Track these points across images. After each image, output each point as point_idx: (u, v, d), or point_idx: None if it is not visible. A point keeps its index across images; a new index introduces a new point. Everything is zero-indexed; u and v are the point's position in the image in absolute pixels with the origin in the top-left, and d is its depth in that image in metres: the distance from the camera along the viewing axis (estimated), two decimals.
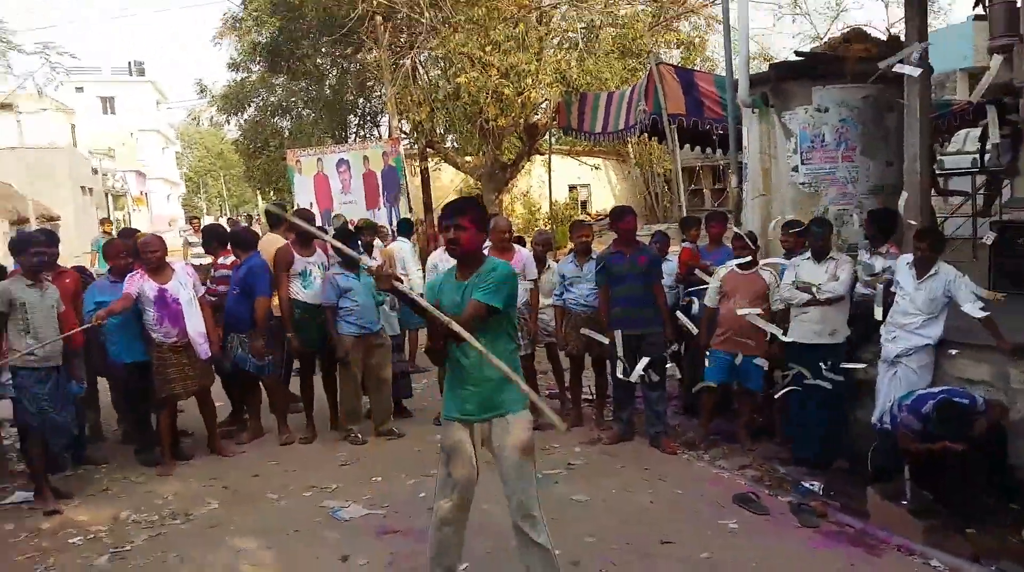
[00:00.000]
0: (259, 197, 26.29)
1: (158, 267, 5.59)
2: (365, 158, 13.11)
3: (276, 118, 21.81)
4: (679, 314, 6.26)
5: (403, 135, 16.73)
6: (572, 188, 26.18)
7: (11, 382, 4.97)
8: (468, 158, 18.42)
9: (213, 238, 6.91)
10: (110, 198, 32.97)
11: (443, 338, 3.29)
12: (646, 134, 11.22)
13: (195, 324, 5.62)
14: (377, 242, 7.98)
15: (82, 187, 28.00)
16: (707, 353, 5.95)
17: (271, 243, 6.74)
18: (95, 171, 31.03)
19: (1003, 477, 4.45)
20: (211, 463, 5.75)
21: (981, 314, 4.70)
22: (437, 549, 3.46)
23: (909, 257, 5.07)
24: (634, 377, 5.75)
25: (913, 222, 5.71)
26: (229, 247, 6.59)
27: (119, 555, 4.26)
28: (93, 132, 36.75)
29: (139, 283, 5.49)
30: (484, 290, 3.26)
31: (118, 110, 43.45)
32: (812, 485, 5.02)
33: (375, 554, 4.21)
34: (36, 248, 4.98)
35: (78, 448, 5.68)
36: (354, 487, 5.19)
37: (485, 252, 6.33)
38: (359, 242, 6.27)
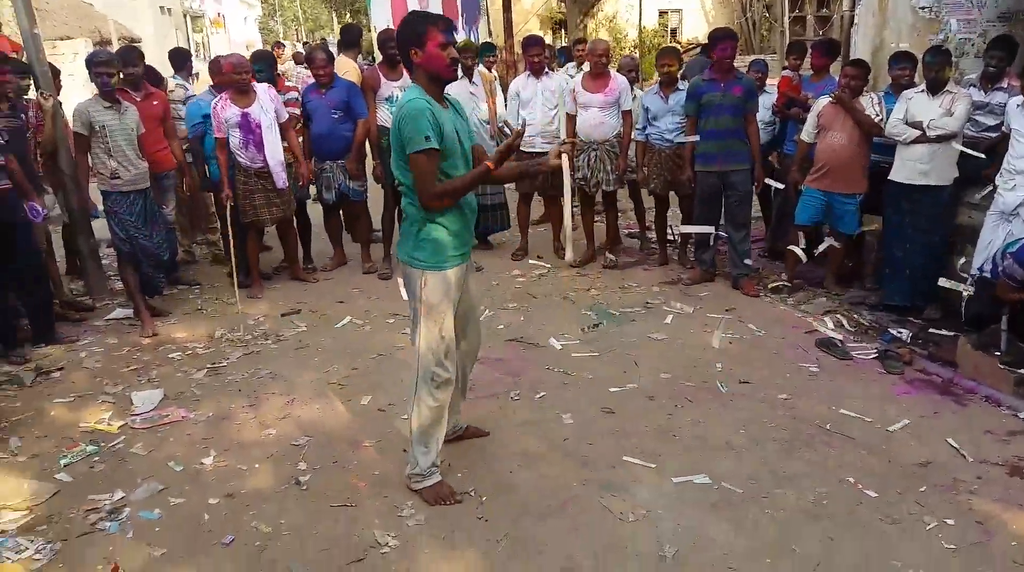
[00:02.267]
0: (335, 19, 25.62)
1: (244, 90, 5.50)
2: None
3: None
4: (768, 181, 5.90)
5: None
6: (662, 13, 24.56)
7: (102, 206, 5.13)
8: None
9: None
10: (188, 19, 32.65)
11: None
12: None
13: (273, 151, 5.56)
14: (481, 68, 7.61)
15: (160, 7, 27.72)
16: (800, 191, 5.65)
17: (343, 65, 6.60)
18: None
19: None
20: (297, 289, 5.95)
21: None
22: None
23: (1020, 98, 4.57)
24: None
25: None
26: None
27: (216, 370, 4.53)
28: None
29: (224, 109, 5.45)
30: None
31: None
32: (900, 333, 4.87)
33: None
34: (99, 67, 4.89)
35: (171, 270, 5.93)
36: None
37: (580, 77, 6.15)
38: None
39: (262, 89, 5.63)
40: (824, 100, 5.51)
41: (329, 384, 4.33)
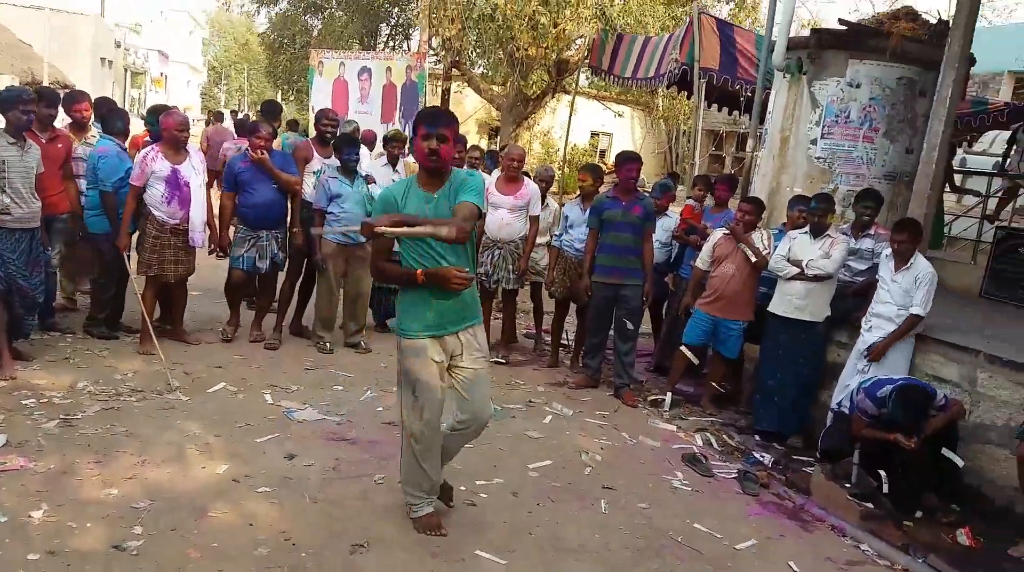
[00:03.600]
0: (279, 95, 25.98)
1: (179, 147, 5.55)
2: (388, 69, 12.82)
3: (307, 15, 21.42)
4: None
5: (430, 51, 16.39)
6: (594, 135, 25.81)
7: None
8: (493, 87, 18.08)
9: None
10: (129, 75, 32.53)
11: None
12: (675, 86, 10.97)
13: (199, 210, 5.63)
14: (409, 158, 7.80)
15: (102, 59, 27.59)
16: (689, 314, 5.91)
17: None
18: (118, 45, 30.53)
19: (950, 477, 4.44)
20: (176, 349, 5.74)
21: (917, 311, 4.78)
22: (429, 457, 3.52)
23: (888, 249, 5.01)
24: None
25: (919, 212, 5.61)
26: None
27: (69, 422, 4.29)
28: (122, 4, 35.98)
29: (153, 160, 5.43)
30: (473, 192, 3.22)
31: None
32: (762, 457, 5.04)
33: (322, 457, 4.24)
34: (25, 106, 4.84)
35: (45, 314, 5.68)
36: (313, 392, 5.21)
37: (495, 178, 6.37)
38: (357, 151, 6.18)
39: (194, 150, 5.74)
40: (720, 232, 5.86)
41: (187, 449, 4.16)
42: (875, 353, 4.88)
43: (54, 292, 5.92)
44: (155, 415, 4.54)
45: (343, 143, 6.05)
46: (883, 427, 4.33)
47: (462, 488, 4.07)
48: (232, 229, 6.06)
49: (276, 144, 6.58)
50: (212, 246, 6.05)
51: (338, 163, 6.03)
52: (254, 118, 13.87)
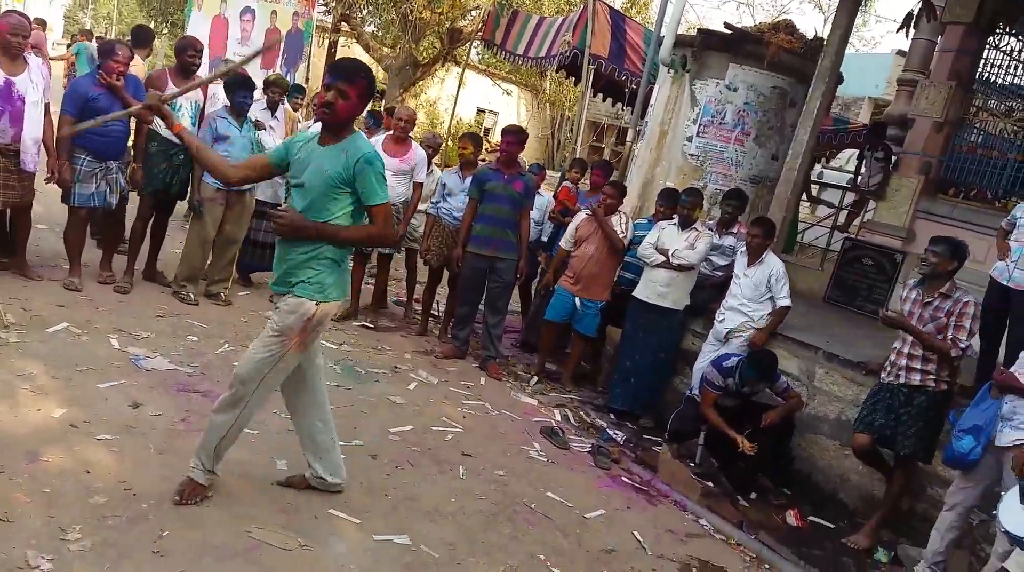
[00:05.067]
0: (152, 26, 24.28)
1: (15, 56, 4.96)
2: (274, 13, 12.22)
3: None
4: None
5: (320, 1, 15.79)
6: (480, 111, 25.76)
7: None
8: (383, 47, 17.65)
9: None
10: None
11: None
12: (564, 71, 11.10)
13: (33, 130, 5.06)
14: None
15: None
16: (551, 291, 6.06)
17: (133, 64, 6.24)
18: None
19: (784, 463, 4.80)
20: (14, 284, 5.28)
21: (783, 303, 5.10)
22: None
23: (743, 246, 5.33)
24: None
25: (778, 214, 5.98)
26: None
27: None
28: None
29: None
30: (380, 189, 3.11)
31: None
32: (616, 434, 5.26)
33: (169, 408, 4.04)
34: None
35: None
36: (166, 341, 4.95)
37: (381, 139, 6.21)
38: (251, 94, 5.82)
39: (36, 62, 5.13)
40: (583, 213, 6.02)
41: (19, 389, 3.85)
42: (756, 340, 5.09)
43: None
44: None
45: (238, 84, 5.64)
46: (728, 396, 4.63)
47: None
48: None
49: (70, 56, 5.84)
50: (50, 173, 5.33)
51: (226, 104, 5.70)
52: None
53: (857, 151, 10.76)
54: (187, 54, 5.92)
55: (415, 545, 3.31)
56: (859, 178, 8.53)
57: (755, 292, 5.19)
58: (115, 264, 5.89)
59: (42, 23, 13.80)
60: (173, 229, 6.21)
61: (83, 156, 5.34)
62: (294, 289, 3.13)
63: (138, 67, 6.39)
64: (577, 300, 5.90)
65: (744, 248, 5.36)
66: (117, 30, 46.04)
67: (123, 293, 5.64)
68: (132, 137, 5.82)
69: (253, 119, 5.93)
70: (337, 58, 3.41)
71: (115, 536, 2.88)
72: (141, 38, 7.35)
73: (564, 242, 6.08)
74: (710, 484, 4.55)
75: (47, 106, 5.26)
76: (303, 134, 3.33)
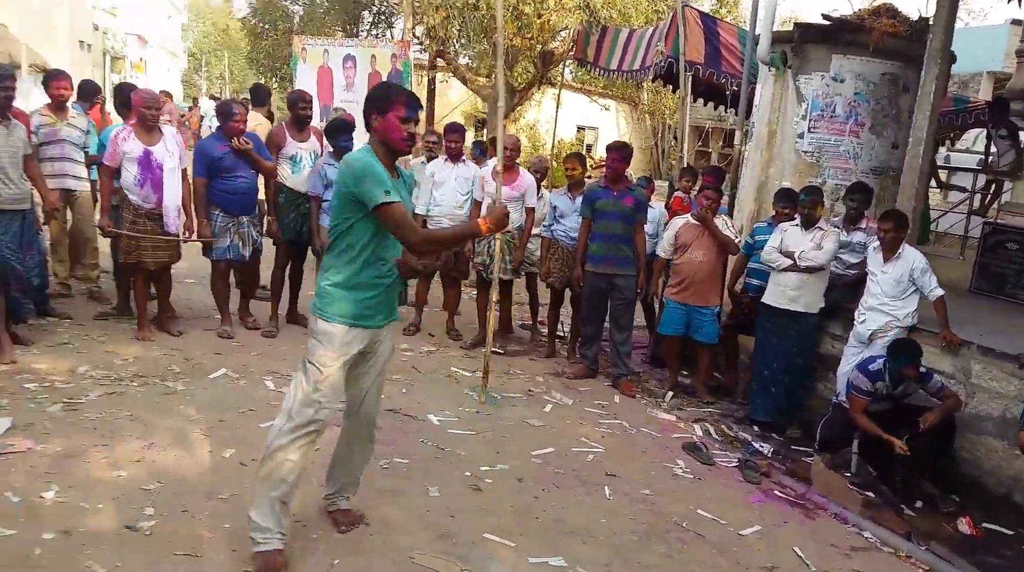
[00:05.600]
0: (262, 82, 25.74)
1: (151, 127, 5.41)
2: (373, 57, 12.71)
3: (288, 1, 21.21)
4: None
5: (415, 40, 16.32)
6: (580, 129, 25.85)
7: None
8: (479, 78, 18.05)
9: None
10: (108, 58, 32.02)
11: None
12: (660, 80, 11.03)
13: (172, 195, 5.46)
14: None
15: (80, 42, 27.11)
16: (659, 301, 6.00)
17: (253, 120, 6.67)
18: (96, 28, 30.03)
19: (948, 468, 4.55)
20: (172, 337, 5.71)
21: (937, 294, 4.82)
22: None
23: (876, 242, 5.11)
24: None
25: (907, 206, 5.72)
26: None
27: (72, 405, 4.27)
28: None
29: (125, 140, 5.32)
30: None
31: None
32: (762, 447, 5.13)
33: (325, 443, 4.23)
34: (6, 82, 4.77)
35: (41, 300, 5.62)
36: None
37: (490, 170, 6.37)
38: (351, 137, 6.12)
39: (170, 131, 5.57)
40: (680, 220, 5.96)
41: (192, 433, 4.16)
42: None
43: (48, 277, 5.85)
44: (158, 400, 4.52)
45: (337, 129, 5.93)
46: (879, 401, 4.44)
47: (466, 473, 4.12)
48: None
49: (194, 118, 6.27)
50: (187, 233, 5.72)
51: (331, 148, 5.98)
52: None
53: (982, 131, 10.19)
54: (299, 107, 6.30)
55: (571, 567, 3.34)
56: (989, 159, 8.05)
57: (896, 288, 4.97)
58: (257, 311, 6.26)
59: (168, 95, 14.95)
60: (308, 273, 6.55)
61: (217, 213, 5.73)
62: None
63: (261, 124, 6.79)
64: (691, 310, 5.81)
65: (876, 244, 5.16)
66: (230, 88, 49.03)
67: (270, 337, 6.00)
68: (261, 192, 6.19)
69: None
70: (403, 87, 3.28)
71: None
72: (259, 97, 7.80)
73: (662, 251, 6.05)
74: (870, 494, 4.37)
75: (184, 171, 5.68)
76: (374, 165, 3.04)
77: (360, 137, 7.68)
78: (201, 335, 5.76)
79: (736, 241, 5.76)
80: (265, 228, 6.14)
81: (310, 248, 6.21)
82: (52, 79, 6.07)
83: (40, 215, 5.64)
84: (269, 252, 6.28)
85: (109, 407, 4.32)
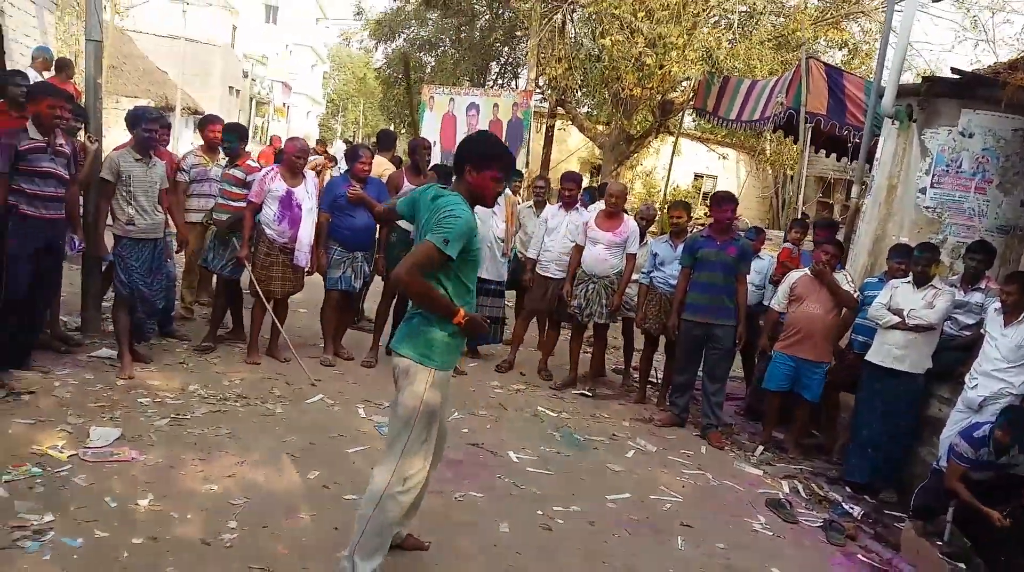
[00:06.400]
0: (391, 127, 27.05)
1: (295, 171, 5.88)
2: (495, 106, 13.19)
3: (422, 52, 22.25)
4: None
5: (537, 89, 16.76)
6: (698, 177, 25.61)
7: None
8: (597, 126, 18.28)
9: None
10: (254, 103, 34.52)
11: None
12: (780, 130, 10.85)
13: (307, 233, 5.88)
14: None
15: (230, 87, 29.44)
16: (769, 357, 5.83)
17: (380, 164, 7.03)
18: (245, 75, 32.53)
19: None
20: (276, 362, 6.04)
21: None
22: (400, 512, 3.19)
23: (998, 303, 4.79)
24: None
25: None
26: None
27: (179, 421, 4.61)
28: (251, 37, 38.22)
29: (272, 180, 5.79)
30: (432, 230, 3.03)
31: (279, 20, 44.99)
32: (852, 508, 4.88)
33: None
34: (150, 125, 5.28)
35: (165, 321, 6.13)
36: None
37: (594, 215, 6.45)
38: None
39: (310, 175, 6.03)
40: (796, 273, 5.81)
41: (284, 453, 4.39)
42: None
43: (174, 301, 6.36)
44: (257, 421, 4.81)
45: (440, 175, 6.21)
46: (980, 468, 4.15)
47: (539, 512, 4.14)
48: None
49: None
50: (310, 269, 6.12)
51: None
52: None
53: None
54: (417, 153, 6.63)
55: None
56: None
57: (1016, 353, 4.64)
58: (358, 341, 6.55)
59: (323, 143, 16.01)
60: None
61: (335, 246, 6.14)
62: None
63: (387, 168, 7.17)
64: (800, 365, 5.63)
65: (996, 306, 4.85)
66: (363, 132, 51.68)
67: (369, 367, 6.26)
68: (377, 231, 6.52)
69: None
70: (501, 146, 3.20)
71: None
72: (386, 141, 8.21)
73: (776, 304, 5.89)
74: (961, 565, 4.06)
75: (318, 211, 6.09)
76: (471, 215, 3.13)
77: None
78: (305, 361, 6.06)
79: (855, 296, 5.56)
80: (373, 264, 6.44)
81: None
82: (207, 123, 6.69)
83: (173, 243, 6.18)
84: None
85: (211, 424, 4.63)
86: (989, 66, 7.42)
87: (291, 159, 5.89)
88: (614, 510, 4.33)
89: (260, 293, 5.83)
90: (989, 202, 6.39)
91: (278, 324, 6.04)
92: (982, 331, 4.98)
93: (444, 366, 3.12)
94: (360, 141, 44.91)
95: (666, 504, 4.53)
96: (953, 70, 6.97)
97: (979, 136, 6.37)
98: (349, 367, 6.22)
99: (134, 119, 5.36)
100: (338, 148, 18.32)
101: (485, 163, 3.11)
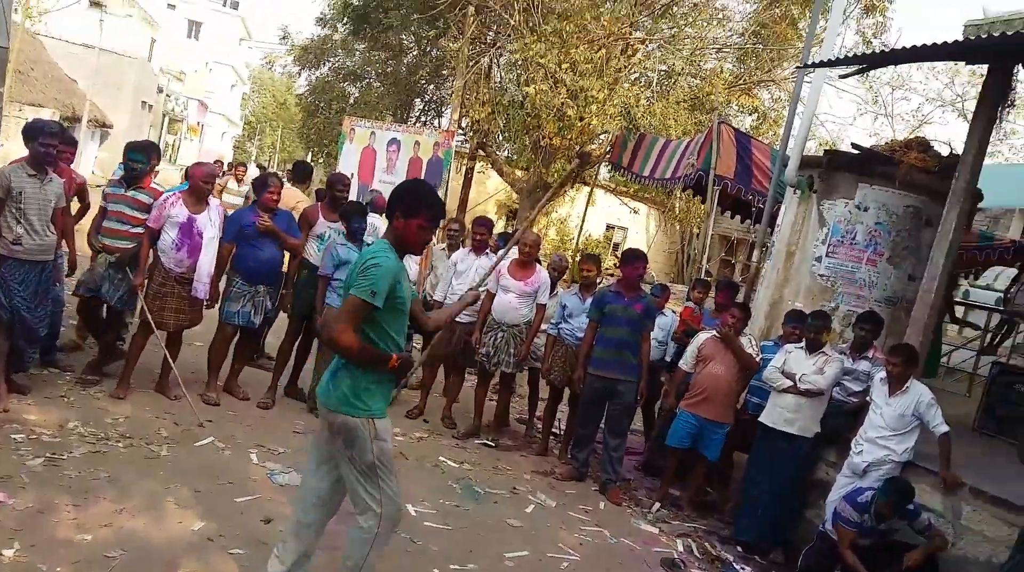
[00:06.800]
0: (308, 156, 26.69)
1: (201, 198, 5.60)
2: (416, 143, 13.10)
3: (346, 83, 22.14)
4: None
5: (459, 130, 16.88)
6: (609, 228, 26.25)
7: None
8: (516, 171, 18.54)
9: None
10: (166, 120, 33.49)
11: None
12: (690, 190, 11.23)
13: (207, 263, 5.60)
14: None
15: (143, 102, 28.44)
16: (674, 415, 5.95)
17: (291, 196, 6.86)
18: (160, 90, 31.53)
19: None
20: (167, 400, 5.73)
21: (942, 430, 4.75)
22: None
23: (883, 374, 5.06)
24: None
25: (916, 339, 5.67)
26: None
27: (54, 461, 4.31)
28: (171, 52, 37.16)
29: (173, 205, 5.50)
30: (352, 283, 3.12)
31: (202, 37, 44.01)
32: (742, 568, 4.99)
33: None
34: (47, 139, 4.95)
35: (48, 349, 5.74)
36: (300, 456, 5.17)
37: (507, 263, 6.48)
38: (365, 220, 6.25)
39: (214, 203, 5.76)
40: (704, 334, 5.97)
41: (166, 501, 4.16)
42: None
43: (59, 328, 5.97)
44: (140, 463, 4.55)
45: (352, 212, 6.09)
46: (865, 533, 4.31)
47: (435, 571, 4.05)
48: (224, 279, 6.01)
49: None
50: (209, 301, 5.85)
51: (344, 230, 6.11)
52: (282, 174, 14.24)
53: (1006, 269, 10.14)
54: (336, 189, 6.52)
55: None
56: (1007, 296, 7.99)
57: (899, 422, 4.89)
58: (256, 381, 6.32)
59: (220, 164, 15.52)
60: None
61: (237, 279, 5.90)
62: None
63: (301, 201, 6.99)
64: (703, 424, 5.76)
65: (882, 375, 5.11)
66: (280, 158, 50.83)
67: (266, 409, 6.03)
68: (285, 264, 6.34)
69: (369, 242, 6.24)
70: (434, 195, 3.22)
71: None
72: (301, 173, 7.99)
73: (684, 364, 6.03)
74: None
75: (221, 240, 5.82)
76: (394, 262, 3.19)
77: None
78: (196, 401, 5.79)
79: (757, 360, 5.73)
80: (278, 300, 6.24)
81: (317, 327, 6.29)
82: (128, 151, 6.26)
83: (64, 267, 5.82)
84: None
85: (90, 465, 4.35)
86: (886, 142, 7.91)
87: (198, 184, 5.59)
88: (511, 569, 4.29)
89: (151, 320, 5.51)
90: (879, 274, 6.75)
91: (170, 359, 5.72)
92: (868, 399, 5.23)
93: (381, 412, 3.15)
94: (275, 167, 44.15)
95: (563, 563, 4.51)
96: (853, 145, 7.41)
97: (873, 210, 6.74)
98: (244, 408, 5.97)
99: (31, 132, 5.00)
100: (252, 172, 17.94)
101: (414, 211, 3.15)
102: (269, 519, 4.21)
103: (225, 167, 13.98)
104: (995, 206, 15.67)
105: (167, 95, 33.13)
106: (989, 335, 9.46)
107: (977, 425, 6.66)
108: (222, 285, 5.96)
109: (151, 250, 5.55)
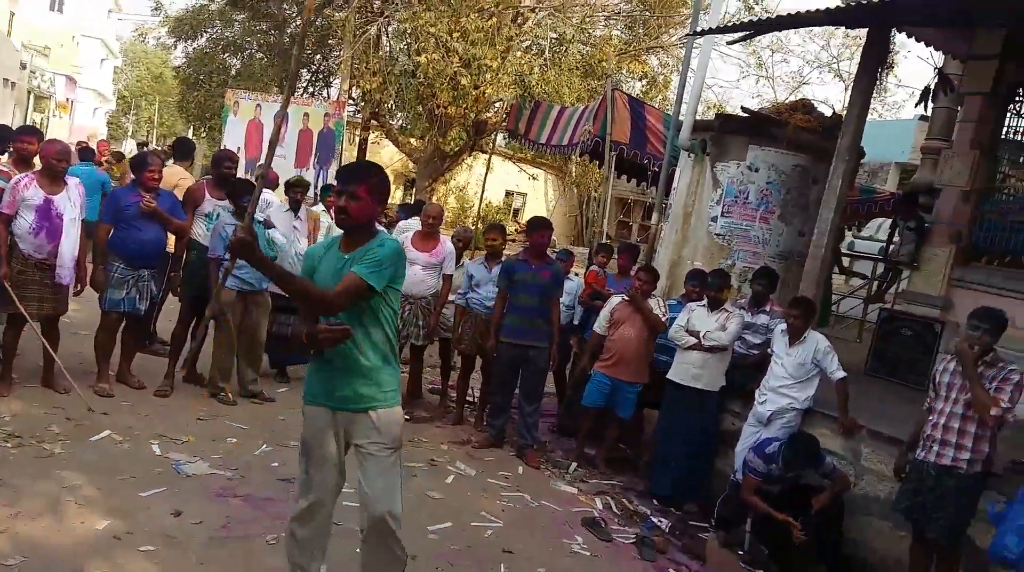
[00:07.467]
0: (190, 131, 25.44)
1: (56, 177, 5.23)
2: (306, 115, 12.72)
3: (227, 54, 21.12)
4: None
5: (350, 101, 16.45)
6: (508, 194, 26.33)
7: None
8: (411, 140, 18.26)
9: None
10: (32, 97, 31.16)
11: (312, 312, 2.99)
12: (587, 156, 11.35)
13: (70, 246, 5.24)
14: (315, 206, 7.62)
15: (4, 79, 26.36)
16: (589, 376, 6.05)
17: (174, 174, 6.53)
18: (23, 66, 29.24)
19: (836, 548, 4.64)
20: (55, 393, 5.39)
21: (839, 376, 5.01)
22: (293, 548, 3.24)
23: (784, 325, 5.28)
24: None
25: (809, 291, 5.95)
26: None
27: None
28: (34, 26, 34.48)
29: (26, 187, 5.10)
30: (366, 265, 2.91)
31: (66, 9, 40.92)
32: (660, 522, 5.15)
33: (210, 514, 4.06)
34: None
35: None
36: (206, 444, 5.00)
37: (410, 235, 6.38)
38: (257, 194, 5.94)
39: (73, 182, 5.37)
40: (617, 298, 6.07)
41: (65, 501, 3.91)
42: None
43: None
44: (33, 463, 4.26)
45: (240, 189, 5.82)
46: (773, 482, 4.51)
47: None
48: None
49: None
50: (79, 286, 5.55)
51: (232, 208, 5.85)
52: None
53: (886, 220, 10.77)
54: (224, 166, 6.22)
55: None
56: (891, 247, 8.48)
57: (799, 370, 5.12)
58: (151, 366, 6.01)
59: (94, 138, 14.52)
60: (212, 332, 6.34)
61: (117, 264, 5.54)
62: (376, 403, 3.08)
63: (184, 178, 6.66)
64: (617, 385, 5.87)
65: (782, 328, 5.33)
66: (158, 132, 48.23)
67: (163, 397, 5.75)
68: (173, 245, 6.02)
69: (262, 219, 6.01)
70: (348, 164, 3.18)
71: None
72: (183, 150, 7.59)
73: (598, 327, 6.11)
74: None
75: (83, 222, 5.46)
76: (321, 243, 3.36)
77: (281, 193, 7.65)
78: (88, 393, 5.45)
79: (664, 321, 5.86)
80: (167, 283, 5.93)
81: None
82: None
83: None
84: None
85: None
86: (772, 105, 8.20)
87: (51, 163, 5.21)
88: (436, 541, 4.26)
89: (23, 310, 5.12)
90: (772, 231, 7.04)
91: (50, 350, 5.36)
92: (769, 351, 5.46)
93: (309, 396, 3.14)
94: (154, 142, 41.84)
95: (487, 531, 4.52)
96: (743, 109, 7.64)
97: (763, 170, 7.00)
98: (141, 397, 5.66)
99: None
100: (130, 148, 16.95)
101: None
102: (179, 512, 4.02)
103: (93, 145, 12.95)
104: (871, 161, 16.62)
105: (31, 71, 30.72)
106: (875, 283, 10.04)
107: (868, 369, 7.06)
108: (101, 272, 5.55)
109: (8, 236, 5.15)
